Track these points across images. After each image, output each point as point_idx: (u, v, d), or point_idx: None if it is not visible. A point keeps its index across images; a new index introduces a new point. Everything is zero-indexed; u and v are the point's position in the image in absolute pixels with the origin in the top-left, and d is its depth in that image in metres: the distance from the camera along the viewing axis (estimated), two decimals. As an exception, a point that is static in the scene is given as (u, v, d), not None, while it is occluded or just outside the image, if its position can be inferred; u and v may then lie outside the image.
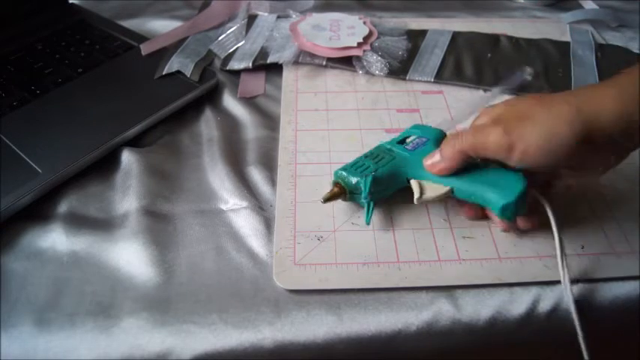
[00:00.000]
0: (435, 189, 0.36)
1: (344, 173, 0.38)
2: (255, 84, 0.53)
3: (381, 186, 0.37)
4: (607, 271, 0.35)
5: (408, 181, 0.37)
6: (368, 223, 0.37)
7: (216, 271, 0.36)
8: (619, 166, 0.37)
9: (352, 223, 0.38)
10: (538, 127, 0.31)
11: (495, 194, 0.34)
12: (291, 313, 0.33)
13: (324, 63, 0.53)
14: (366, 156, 0.39)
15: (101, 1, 0.66)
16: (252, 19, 0.60)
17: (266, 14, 0.61)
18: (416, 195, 0.36)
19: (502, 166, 0.34)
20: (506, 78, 0.51)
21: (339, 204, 0.39)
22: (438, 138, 0.39)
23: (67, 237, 0.37)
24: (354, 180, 0.37)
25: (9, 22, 0.56)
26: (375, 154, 0.39)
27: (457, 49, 0.56)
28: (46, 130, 0.44)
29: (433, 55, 0.55)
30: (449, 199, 0.37)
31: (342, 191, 0.37)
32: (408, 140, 0.40)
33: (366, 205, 0.37)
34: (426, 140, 0.39)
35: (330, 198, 0.37)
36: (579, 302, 0.34)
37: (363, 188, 0.37)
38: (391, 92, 0.51)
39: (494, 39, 0.58)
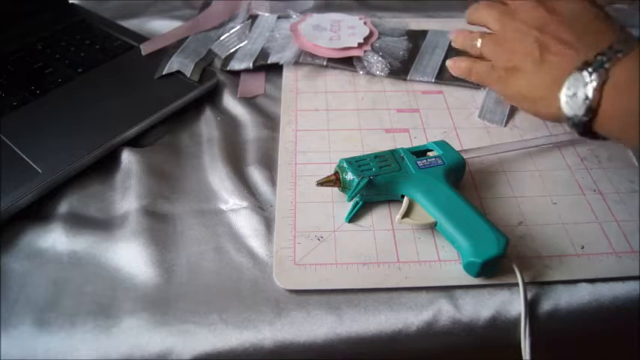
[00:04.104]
0: (420, 215, 0.36)
1: (344, 165, 0.38)
2: (255, 84, 0.53)
3: (374, 191, 0.38)
4: (607, 271, 0.35)
5: (402, 197, 0.38)
6: (346, 221, 0.38)
7: (216, 271, 0.36)
8: (619, 165, 0.37)
9: (352, 223, 0.38)
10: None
11: (469, 247, 0.33)
12: (291, 313, 0.33)
13: (325, 63, 0.53)
14: (376, 156, 0.39)
15: (101, 1, 0.66)
16: (252, 19, 0.60)
17: (266, 14, 0.61)
18: (399, 215, 0.36)
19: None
20: None
21: (340, 204, 0.39)
22: (455, 167, 0.39)
23: (67, 237, 0.37)
24: (349, 176, 0.37)
25: (9, 22, 0.56)
26: (385, 158, 0.39)
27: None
28: (46, 130, 0.44)
29: (434, 56, 0.55)
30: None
31: (337, 181, 0.38)
32: (428, 154, 0.40)
33: (353, 203, 0.38)
34: (442, 165, 0.38)
35: (324, 183, 0.38)
36: (579, 302, 0.34)
37: (352, 188, 0.37)
38: (391, 92, 0.51)
39: (494, 39, 0.58)
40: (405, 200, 0.37)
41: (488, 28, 0.39)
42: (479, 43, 0.39)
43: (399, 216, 0.36)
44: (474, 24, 0.41)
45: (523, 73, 0.36)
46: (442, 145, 0.40)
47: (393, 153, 0.39)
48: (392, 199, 0.39)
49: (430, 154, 0.40)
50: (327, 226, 0.38)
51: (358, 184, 0.37)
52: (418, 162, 0.38)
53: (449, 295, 0.34)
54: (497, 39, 0.38)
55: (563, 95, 0.32)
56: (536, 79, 0.35)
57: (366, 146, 0.45)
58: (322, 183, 0.38)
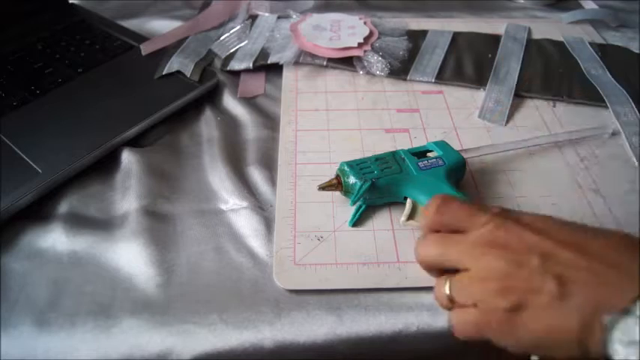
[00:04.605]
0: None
1: (346, 169, 0.38)
2: (255, 84, 0.53)
3: (376, 194, 0.38)
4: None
5: (405, 199, 0.37)
6: (350, 225, 0.38)
7: (216, 271, 0.36)
8: (619, 165, 0.36)
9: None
10: None
11: None
12: (291, 313, 0.33)
13: (325, 63, 0.53)
14: (377, 158, 0.39)
15: (101, 1, 0.66)
16: (252, 19, 0.60)
17: (266, 14, 0.61)
18: (403, 217, 0.36)
19: None
20: None
21: (340, 204, 0.39)
22: (456, 166, 0.39)
23: (67, 237, 0.37)
24: (351, 180, 0.37)
25: (9, 22, 0.56)
26: (386, 160, 0.39)
27: (458, 49, 0.56)
28: (46, 130, 0.44)
29: (434, 55, 0.55)
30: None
31: (338, 185, 0.38)
32: (428, 155, 0.39)
33: (356, 207, 0.38)
34: (443, 165, 0.38)
35: (325, 187, 0.38)
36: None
37: (355, 192, 0.37)
38: (391, 92, 0.51)
39: (494, 39, 0.58)
40: (409, 202, 0.37)
41: (451, 267, 0.28)
42: (447, 288, 0.28)
43: (403, 218, 0.36)
44: (430, 268, 0.30)
45: (533, 313, 0.25)
46: (442, 145, 0.40)
47: (394, 155, 0.39)
48: (394, 200, 0.39)
49: (430, 154, 0.40)
50: (327, 226, 0.38)
51: (361, 187, 0.36)
52: (419, 163, 0.38)
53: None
54: (479, 276, 0.27)
55: (616, 343, 0.22)
56: (555, 319, 0.25)
57: (366, 146, 0.45)
58: (324, 187, 0.38)
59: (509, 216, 0.28)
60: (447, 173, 0.38)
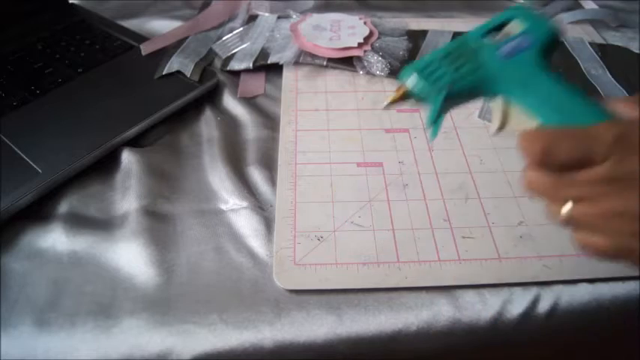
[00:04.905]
0: (521, 120, 0.28)
1: (413, 78, 0.30)
2: (256, 84, 0.53)
3: (456, 101, 0.30)
4: (607, 271, 0.35)
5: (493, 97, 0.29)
6: (432, 138, 0.33)
7: (216, 271, 0.36)
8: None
9: (352, 223, 0.38)
10: None
11: None
12: (291, 313, 0.33)
13: (325, 63, 0.53)
14: (445, 55, 0.29)
15: (101, 1, 0.66)
16: (252, 19, 0.60)
17: (266, 14, 0.61)
18: (495, 126, 0.29)
19: None
20: None
21: (339, 204, 0.39)
22: (548, 44, 0.29)
23: (67, 237, 0.37)
24: (421, 89, 0.30)
25: (9, 22, 0.56)
26: (457, 55, 0.29)
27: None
28: (46, 130, 0.44)
29: (433, 55, 0.55)
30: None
31: (404, 95, 0.31)
32: (505, 30, 0.29)
33: (432, 115, 0.30)
34: (531, 43, 0.28)
35: (392, 102, 0.31)
36: (579, 302, 0.34)
37: (431, 110, 0.29)
38: (391, 92, 0.51)
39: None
40: (500, 105, 0.29)
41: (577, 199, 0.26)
42: (567, 210, 0.26)
43: (495, 128, 0.29)
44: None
45: None
46: (522, 13, 0.29)
47: (462, 45, 0.30)
48: (481, 99, 0.31)
49: (508, 29, 0.30)
50: (327, 226, 0.38)
51: (436, 100, 0.29)
52: (500, 50, 0.29)
53: (449, 295, 0.34)
54: (604, 215, 0.25)
55: None
56: None
57: (366, 146, 0.45)
58: (390, 103, 0.31)
59: (627, 144, 0.24)
60: (541, 55, 0.29)
